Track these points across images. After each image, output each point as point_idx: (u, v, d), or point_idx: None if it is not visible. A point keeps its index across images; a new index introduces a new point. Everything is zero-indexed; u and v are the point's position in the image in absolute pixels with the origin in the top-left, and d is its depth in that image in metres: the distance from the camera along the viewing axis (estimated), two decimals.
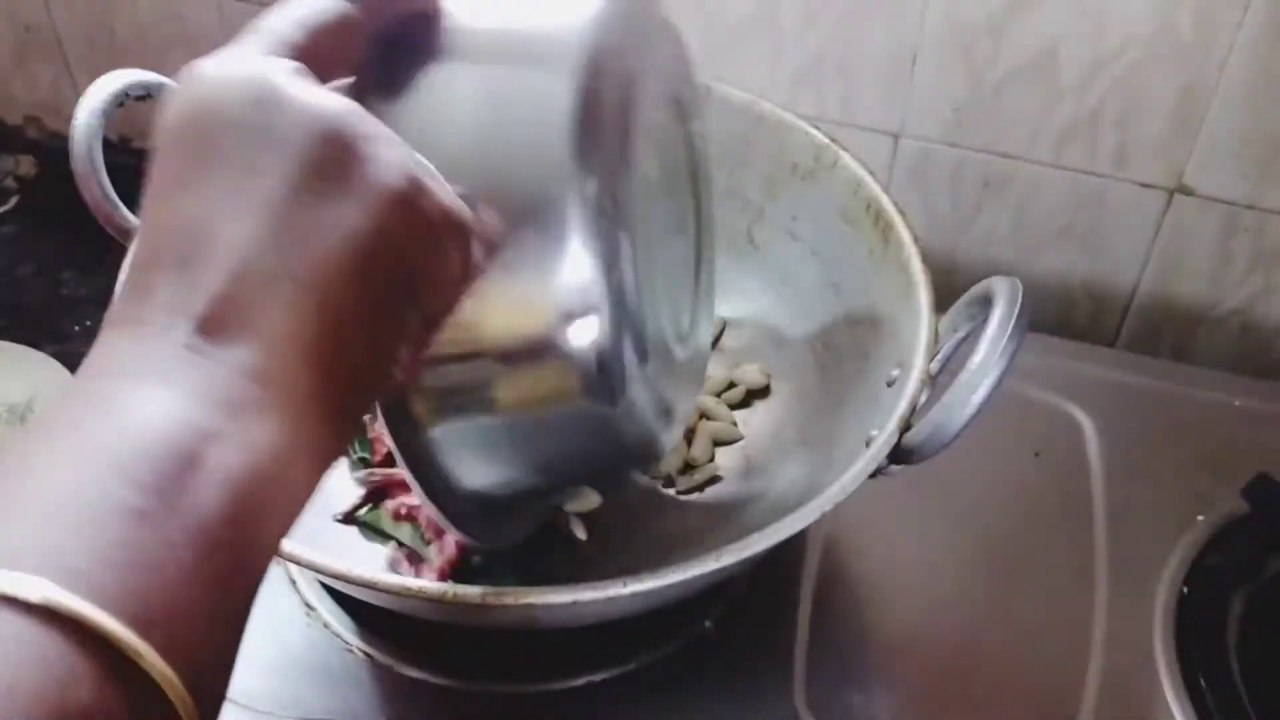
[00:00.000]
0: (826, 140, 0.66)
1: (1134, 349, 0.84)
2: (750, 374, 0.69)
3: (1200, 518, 0.67)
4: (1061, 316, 0.85)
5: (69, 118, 0.58)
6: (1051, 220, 0.81)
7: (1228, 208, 0.77)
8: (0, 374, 0.84)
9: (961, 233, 0.84)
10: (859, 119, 0.81)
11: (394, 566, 0.60)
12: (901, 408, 0.53)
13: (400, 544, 0.61)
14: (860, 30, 0.76)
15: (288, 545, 0.47)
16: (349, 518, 0.63)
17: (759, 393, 0.69)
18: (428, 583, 0.46)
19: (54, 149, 1.06)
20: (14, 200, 1.01)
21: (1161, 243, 0.80)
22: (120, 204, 0.59)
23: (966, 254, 0.84)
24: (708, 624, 0.61)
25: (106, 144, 0.60)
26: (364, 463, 0.64)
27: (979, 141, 0.79)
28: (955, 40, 0.75)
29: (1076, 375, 0.74)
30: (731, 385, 0.70)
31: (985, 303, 0.53)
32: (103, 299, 0.57)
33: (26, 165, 1.04)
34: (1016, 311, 0.51)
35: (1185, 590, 0.63)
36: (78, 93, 0.59)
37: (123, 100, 0.60)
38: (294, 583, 0.62)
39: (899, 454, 0.52)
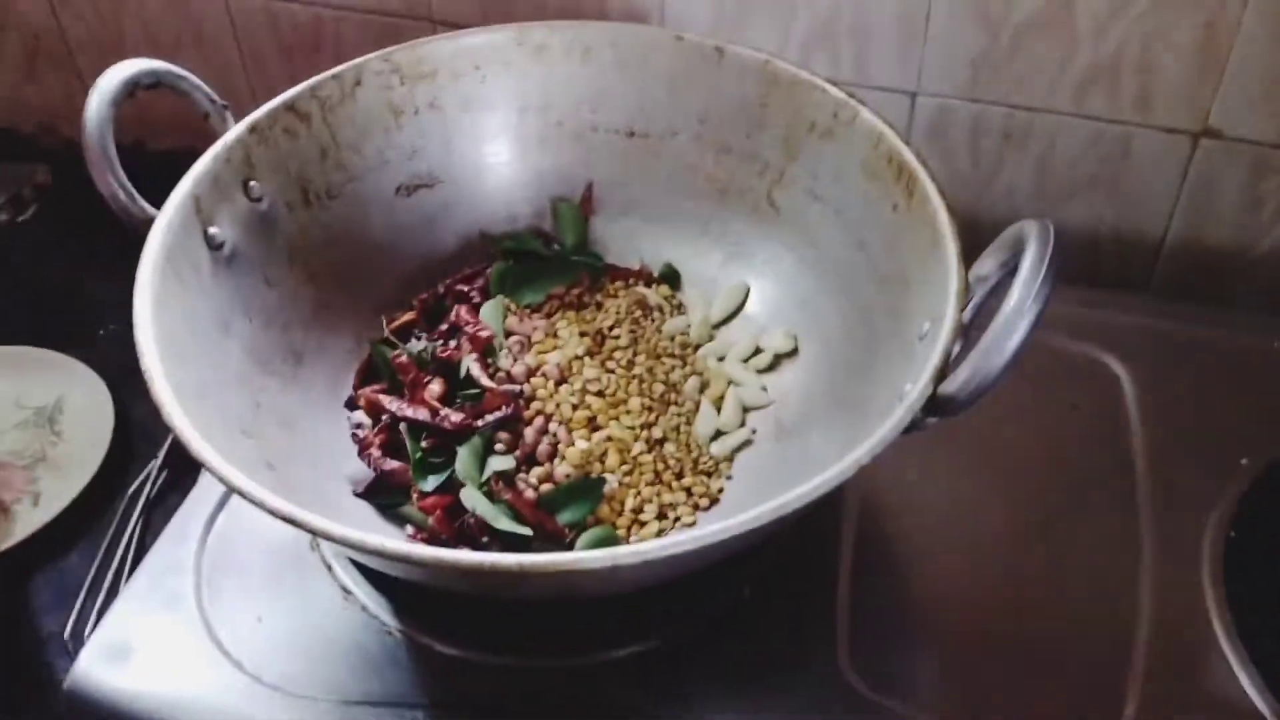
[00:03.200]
0: (844, 96, 0.64)
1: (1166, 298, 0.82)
2: (775, 339, 0.68)
3: (1244, 461, 0.65)
4: (1090, 268, 0.83)
5: (81, 124, 0.58)
6: (1075, 170, 0.80)
7: (1256, 149, 0.75)
8: (28, 378, 0.84)
9: (984, 189, 0.83)
10: (874, 80, 0.80)
11: None
12: (935, 358, 0.52)
13: (419, 528, 0.61)
14: None
15: (320, 522, 0.46)
16: (367, 493, 0.63)
17: (787, 356, 0.68)
18: (464, 554, 0.46)
19: (69, 157, 1.06)
20: (32, 209, 1.02)
21: (1189, 188, 0.78)
22: (135, 192, 0.59)
23: (989, 210, 0.83)
24: (746, 591, 0.60)
25: (120, 147, 0.60)
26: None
27: (997, 95, 0.78)
28: None
29: (1110, 325, 0.73)
30: (758, 351, 0.69)
31: (1016, 247, 0.52)
32: (124, 302, 0.57)
33: (43, 174, 1.04)
34: (1049, 252, 0.50)
35: (1233, 534, 0.62)
36: None
37: (133, 89, 0.59)
38: (330, 568, 0.62)
39: (935, 405, 0.51)
